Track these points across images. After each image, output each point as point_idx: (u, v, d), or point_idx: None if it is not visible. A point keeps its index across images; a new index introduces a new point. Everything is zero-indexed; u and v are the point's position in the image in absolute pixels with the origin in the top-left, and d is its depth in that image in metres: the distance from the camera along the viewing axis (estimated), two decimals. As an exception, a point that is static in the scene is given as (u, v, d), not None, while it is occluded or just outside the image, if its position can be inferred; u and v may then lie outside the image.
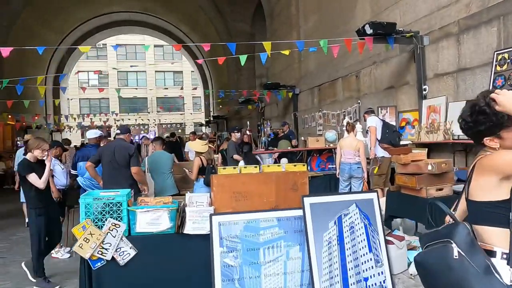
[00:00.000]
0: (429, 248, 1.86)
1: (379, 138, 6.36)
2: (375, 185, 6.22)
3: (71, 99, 31.01)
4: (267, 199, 3.92)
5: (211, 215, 3.68)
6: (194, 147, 6.39)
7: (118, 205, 3.60)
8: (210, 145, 6.39)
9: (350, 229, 4.03)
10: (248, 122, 10.46)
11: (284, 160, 6.81)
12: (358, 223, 4.07)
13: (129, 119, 28.72)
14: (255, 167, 3.97)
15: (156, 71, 36.16)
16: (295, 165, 4.06)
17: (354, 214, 4.08)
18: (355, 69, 9.21)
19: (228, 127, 21.81)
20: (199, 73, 28.03)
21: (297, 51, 13.56)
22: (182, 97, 33.54)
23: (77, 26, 24.30)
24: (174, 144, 11.88)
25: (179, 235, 3.68)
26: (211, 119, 23.90)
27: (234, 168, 3.91)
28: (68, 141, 10.65)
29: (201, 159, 6.12)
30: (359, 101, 8.93)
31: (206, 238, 3.64)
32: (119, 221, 3.59)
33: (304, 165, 4.08)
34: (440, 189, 4.52)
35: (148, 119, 30.09)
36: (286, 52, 7.41)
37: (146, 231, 3.64)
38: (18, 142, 16.00)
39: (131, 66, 29.87)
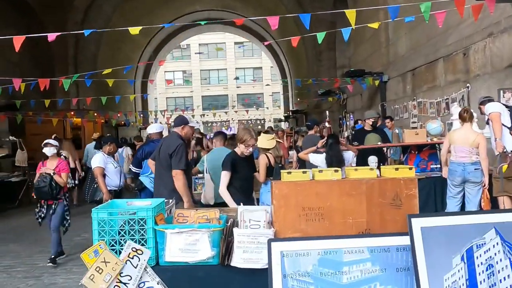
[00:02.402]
0: None
1: (508, 125, 4.55)
2: (504, 192, 4.44)
3: (158, 96, 31.99)
4: (354, 219, 2.58)
5: (270, 241, 2.45)
6: (259, 143, 5.17)
7: (142, 222, 2.53)
8: (278, 140, 5.12)
9: (487, 269, 2.54)
10: (327, 113, 9.03)
11: (373, 159, 5.31)
12: (501, 260, 2.55)
13: (207, 115, 28.68)
14: (336, 170, 2.63)
15: (236, 68, 35.95)
16: (397, 169, 2.64)
17: (494, 246, 2.58)
18: (462, 46, 7.26)
19: (307, 121, 20.42)
20: (278, 68, 26.94)
21: (384, 35, 11.74)
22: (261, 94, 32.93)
23: (162, 28, 24.65)
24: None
25: (225, 268, 2.51)
26: (290, 114, 22.65)
27: (304, 172, 2.61)
28: (139, 138, 10.18)
29: (267, 157, 4.90)
30: (468, 84, 7.00)
31: (263, 275, 2.43)
32: (142, 244, 2.53)
33: (411, 168, 2.64)
34: None
35: (229, 115, 29.90)
36: (375, 25, 5.87)
37: (179, 261, 2.52)
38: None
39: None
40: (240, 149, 3.75)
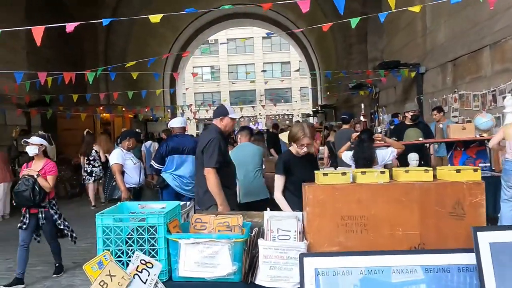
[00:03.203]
0: None
1: None
2: None
3: (186, 91, 31.97)
4: (405, 232, 2.11)
5: (302, 256, 2.03)
6: (284, 139, 4.75)
7: (152, 230, 2.16)
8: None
9: None
10: (362, 106, 8.44)
11: (413, 156, 4.76)
12: None
13: (234, 110, 28.34)
14: (382, 172, 2.16)
15: (264, 63, 35.43)
16: (458, 170, 2.14)
17: None
18: (513, 32, 6.52)
19: (336, 117, 19.70)
20: (306, 62, 26.25)
21: (421, 24, 10.96)
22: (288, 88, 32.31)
23: (190, 23, 24.54)
24: (275, 137, 10.43)
25: (248, 287, 2.11)
26: (319, 108, 21.96)
27: (344, 173, 2.16)
28: (169, 132, 9.91)
29: None
30: (519, 74, 6.27)
31: (293, 296, 2.01)
32: (153, 256, 2.16)
33: (476, 170, 2.13)
34: None
35: (256, 111, 29.46)
36: (416, 9, 5.26)
37: (195, 276, 2.13)
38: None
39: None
40: (294, 148, 3.15)
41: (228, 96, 33.62)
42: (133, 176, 4.83)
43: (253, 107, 27.84)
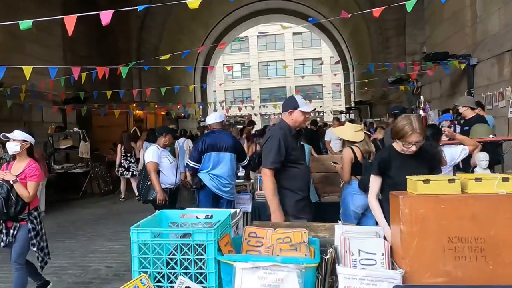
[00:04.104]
0: None
1: None
2: None
3: (218, 87, 31.74)
4: (538, 260, 1.54)
5: (396, 290, 1.50)
6: (343, 134, 4.20)
7: (200, 249, 1.70)
8: (367, 132, 4.10)
9: None
10: (422, 98, 7.73)
11: (483, 156, 4.10)
12: None
13: (266, 107, 27.83)
14: (504, 179, 1.60)
15: (294, 59, 34.68)
16: None
17: None
18: None
19: (372, 113, 18.82)
20: (339, 57, 25.38)
21: (470, 12, 10.06)
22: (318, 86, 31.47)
23: (221, 20, 24.28)
24: (313, 134, 9.87)
25: (323, 327, 1.61)
26: (353, 105, 21.08)
27: (452, 180, 1.62)
28: (202, 130, 9.56)
29: (353, 151, 3.93)
30: None
31: None
32: (201, 282, 1.69)
33: None
34: None
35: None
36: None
37: (254, 310, 1.66)
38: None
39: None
40: (399, 145, 2.49)
41: (258, 93, 33.17)
42: (169, 175, 4.42)
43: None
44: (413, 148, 2.38)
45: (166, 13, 19.29)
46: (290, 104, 3.09)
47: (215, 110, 18.82)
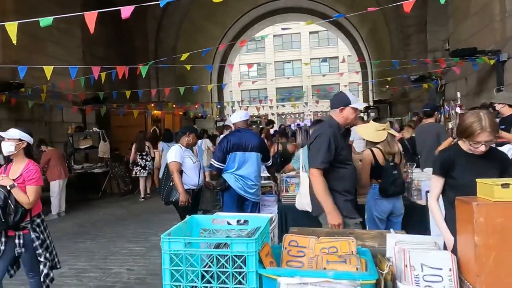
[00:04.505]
0: None
1: None
2: None
3: (237, 86, 31.61)
4: None
5: (471, 313, 1.27)
6: (364, 133, 3.90)
7: (239, 262, 1.50)
8: (391, 132, 3.83)
9: None
10: (458, 94, 7.39)
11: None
12: None
13: (284, 106, 27.57)
14: None
15: (311, 59, 34.25)
16: None
17: None
18: None
19: (391, 112, 18.37)
20: (357, 56, 24.95)
21: (499, 6, 9.62)
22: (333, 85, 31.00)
23: (237, 19, 24.17)
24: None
25: None
26: (372, 104, 20.61)
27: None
28: (228, 127, 9.38)
29: (373, 153, 3.65)
30: None
31: None
32: (240, 299, 1.49)
33: None
34: None
35: (304, 107, 28.46)
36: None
37: (301, 332, 1.45)
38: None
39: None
40: (465, 144, 2.23)
41: (274, 93, 32.93)
42: (191, 176, 4.24)
43: (303, 103, 26.87)
44: (482, 148, 2.12)
45: (183, 13, 19.29)
46: (341, 101, 2.89)
47: (233, 110, 18.65)
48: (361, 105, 2.92)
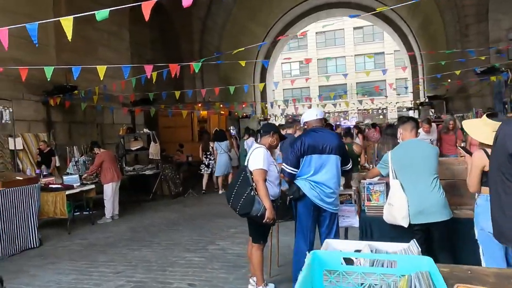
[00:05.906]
0: None
1: None
2: None
3: (276, 88, 31.05)
4: None
5: None
6: (476, 134, 3.14)
7: None
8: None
9: None
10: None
11: None
12: None
13: (327, 105, 26.59)
14: None
15: (355, 55, 32.91)
16: None
17: None
18: None
19: (448, 109, 16.97)
20: (406, 51, 23.54)
21: None
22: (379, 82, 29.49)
23: (280, 17, 23.63)
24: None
25: None
26: (426, 99, 19.13)
27: None
28: (289, 125, 8.82)
29: (488, 156, 2.91)
30: None
31: None
32: None
33: None
34: None
35: (347, 106, 27.21)
36: None
37: None
38: (232, 132, 15.71)
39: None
40: None
41: (317, 91, 32.00)
42: (274, 185, 3.53)
43: (348, 102, 25.69)
44: None
45: (226, 15, 19.05)
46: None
47: (282, 110, 18.08)
48: None
